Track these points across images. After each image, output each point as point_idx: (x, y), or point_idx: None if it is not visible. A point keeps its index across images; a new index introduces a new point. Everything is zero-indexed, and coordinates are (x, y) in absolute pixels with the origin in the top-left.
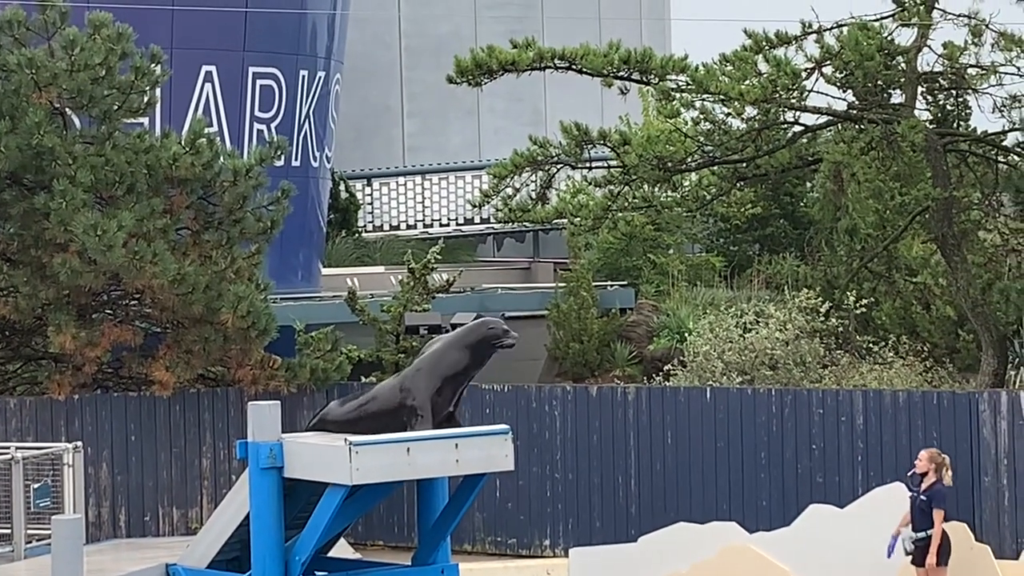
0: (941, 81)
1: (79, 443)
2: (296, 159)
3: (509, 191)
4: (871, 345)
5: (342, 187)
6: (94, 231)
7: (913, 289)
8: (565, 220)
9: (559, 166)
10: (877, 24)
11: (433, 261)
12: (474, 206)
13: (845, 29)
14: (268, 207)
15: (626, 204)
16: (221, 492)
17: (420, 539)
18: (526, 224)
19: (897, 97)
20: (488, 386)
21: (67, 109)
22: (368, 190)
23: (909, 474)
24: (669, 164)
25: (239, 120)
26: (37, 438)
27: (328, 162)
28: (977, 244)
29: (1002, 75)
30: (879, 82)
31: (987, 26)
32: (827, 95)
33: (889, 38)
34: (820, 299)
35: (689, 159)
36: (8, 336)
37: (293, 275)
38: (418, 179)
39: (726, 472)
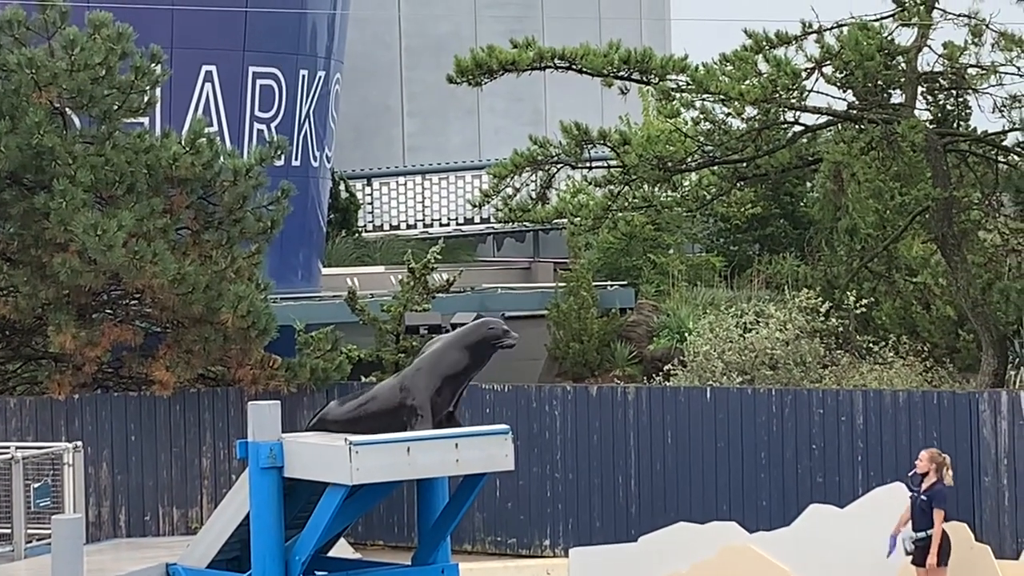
0: (941, 81)
1: (79, 443)
2: (296, 159)
3: (509, 191)
4: (871, 345)
5: (342, 187)
6: (94, 231)
7: (913, 289)
8: (565, 220)
9: (559, 166)
10: (877, 24)
11: (433, 261)
12: (474, 206)
13: (845, 29)
14: (268, 207)
15: (626, 204)
16: (221, 492)
17: (420, 539)
18: (526, 224)
19: (897, 97)
20: (488, 386)
21: (67, 109)
22: (368, 190)
23: (910, 474)
24: (669, 164)
25: (239, 120)
26: (37, 438)
27: (328, 162)
28: (977, 244)
29: (1002, 75)
30: (879, 82)
31: (987, 26)
32: (827, 95)
33: (889, 38)
34: (820, 299)
35: (689, 159)
36: (8, 336)
37: (293, 275)
38: (418, 179)
39: (726, 472)
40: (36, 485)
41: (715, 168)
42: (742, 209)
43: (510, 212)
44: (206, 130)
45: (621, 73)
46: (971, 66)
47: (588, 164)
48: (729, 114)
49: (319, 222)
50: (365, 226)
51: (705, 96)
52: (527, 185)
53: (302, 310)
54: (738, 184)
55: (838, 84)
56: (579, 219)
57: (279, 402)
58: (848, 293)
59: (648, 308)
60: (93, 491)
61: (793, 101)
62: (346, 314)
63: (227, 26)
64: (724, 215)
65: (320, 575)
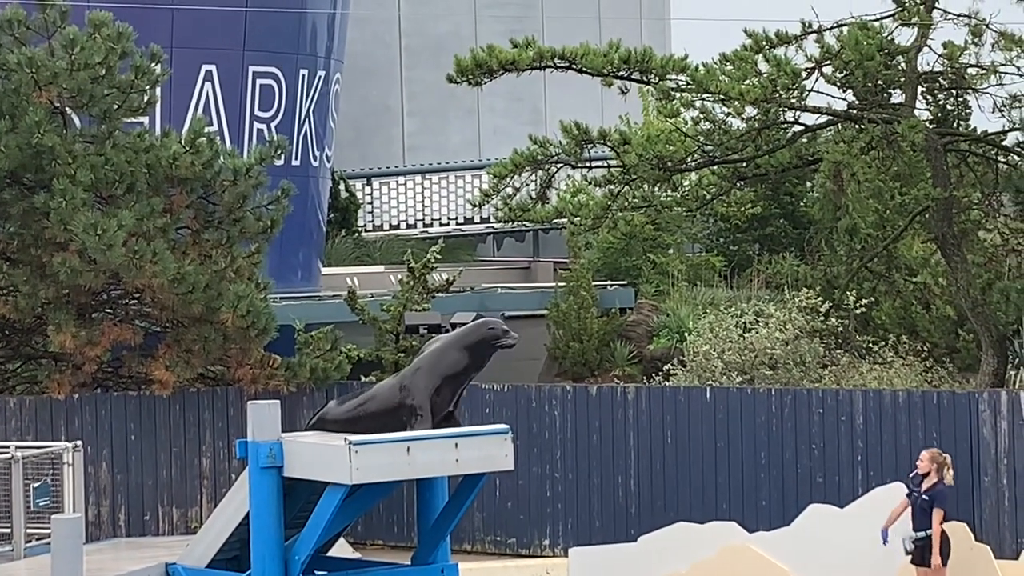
0: (941, 81)
1: (79, 442)
2: (296, 158)
3: (509, 191)
4: (871, 345)
5: (342, 186)
6: (94, 230)
7: (913, 289)
8: (565, 220)
9: (559, 166)
10: (877, 24)
11: (433, 260)
12: (474, 205)
13: (845, 29)
14: (268, 206)
15: (626, 204)
16: (221, 491)
17: (420, 538)
18: (526, 224)
19: (897, 97)
20: (488, 385)
21: (67, 108)
22: (368, 189)
23: (911, 475)
24: (669, 164)
25: (239, 119)
26: (37, 437)
27: (328, 161)
28: (977, 244)
29: (1002, 75)
30: (879, 82)
31: (987, 26)
32: (827, 95)
33: (889, 38)
34: (820, 299)
35: (689, 159)
36: (8, 335)
37: (293, 274)
38: (418, 178)
39: (726, 472)
40: (36, 485)
41: (715, 168)
42: (742, 209)
43: (510, 212)
44: (206, 130)
45: (621, 73)
46: (971, 66)
47: (588, 164)
48: (729, 114)
49: (319, 222)
50: (365, 226)
51: (705, 96)
52: (527, 185)
53: (302, 310)
54: (738, 184)
55: (838, 84)
56: (579, 219)
57: (279, 402)
58: (848, 293)
59: (648, 308)
60: (93, 490)
61: (793, 101)
62: (346, 314)
63: (227, 26)
64: (724, 215)
65: (320, 575)
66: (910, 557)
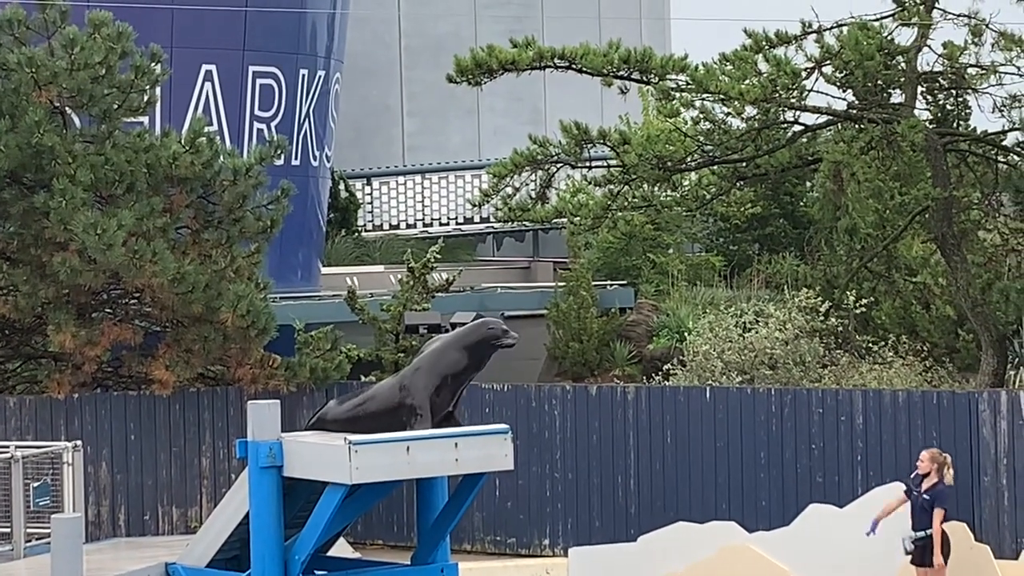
0: (941, 81)
1: (79, 442)
2: (296, 158)
3: (509, 190)
4: (871, 345)
5: (342, 186)
6: (94, 230)
7: (913, 289)
8: (565, 219)
9: (559, 165)
10: (877, 24)
11: (433, 260)
12: (474, 205)
13: (845, 29)
14: (268, 206)
15: (626, 203)
16: (221, 491)
17: (419, 538)
18: (526, 223)
19: (897, 97)
20: (488, 385)
21: (67, 108)
22: (368, 189)
23: (912, 475)
24: (669, 163)
25: (239, 119)
26: (37, 437)
27: (328, 161)
28: (977, 244)
29: (1002, 75)
30: (879, 82)
31: (987, 26)
32: (827, 95)
33: (889, 38)
34: (820, 299)
35: (689, 158)
36: (8, 335)
37: (293, 274)
38: (418, 178)
39: (726, 472)
40: (36, 484)
41: (715, 168)
42: (742, 209)
43: (510, 211)
44: (206, 129)
45: (621, 73)
46: (971, 66)
47: (588, 164)
48: (729, 114)
49: (319, 221)
50: (365, 225)
51: (705, 96)
52: (527, 185)
53: (302, 309)
54: (738, 184)
55: (838, 84)
56: (579, 218)
57: (278, 401)
58: (848, 293)
59: (648, 308)
60: (92, 490)
61: (793, 101)
62: (345, 313)
63: (227, 25)
64: (724, 215)
65: (320, 574)
66: (910, 557)
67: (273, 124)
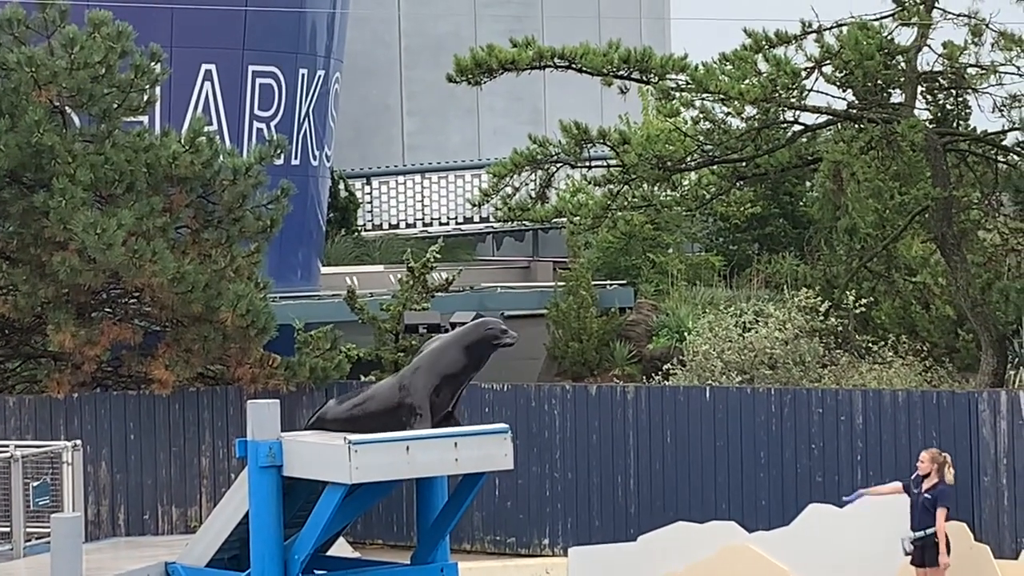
0: (941, 81)
1: (78, 441)
2: (296, 158)
3: (508, 190)
4: (870, 344)
5: (341, 186)
6: (93, 229)
7: (912, 289)
8: (564, 219)
9: (559, 165)
10: (877, 23)
11: (432, 260)
12: (473, 205)
13: (845, 28)
14: (267, 206)
15: (625, 203)
16: (220, 491)
17: (419, 538)
18: (525, 223)
19: (897, 96)
20: (487, 385)
21: (67, 107)
22: (367, 189)
23: (912, 476)
24: (668, 163)
25: (239, 119)
26: (36, 436)
27: (328, 161)
28: (977, 244)
29: (1002, 75)
30: (879, 81)
31: (987, 26)
32: (827, 94)
33: (889, 37)
34: (819, 298)
35: (688, 158)
36: (7, 334)
37: (292, 274)
38: (417, 178)
39: (725, 471)
40: (35, 484)
41: (714, 167)
42: (741, 208)
43: (509, 211)
44: (206, 129)
45: (621, 72)
46: (971, 66)
47: (587, 163)
48: (729, 113)
49: (318, 221)
50: (364, 225)
51: (705, 95)
52: (526, 184)
53: (301, 309)
54: (737, 183)
55: (838, 83)
56: (578, 218)
57: (278, 401)
58: (847, 293)
59: (647, 307)
60: (92, 490)
61: (793, 100)
62: (345, 313)
63: (227, 25)
64: (723, 214)
65: (319, 574)
66: (909, 558)
67: (273, 124)
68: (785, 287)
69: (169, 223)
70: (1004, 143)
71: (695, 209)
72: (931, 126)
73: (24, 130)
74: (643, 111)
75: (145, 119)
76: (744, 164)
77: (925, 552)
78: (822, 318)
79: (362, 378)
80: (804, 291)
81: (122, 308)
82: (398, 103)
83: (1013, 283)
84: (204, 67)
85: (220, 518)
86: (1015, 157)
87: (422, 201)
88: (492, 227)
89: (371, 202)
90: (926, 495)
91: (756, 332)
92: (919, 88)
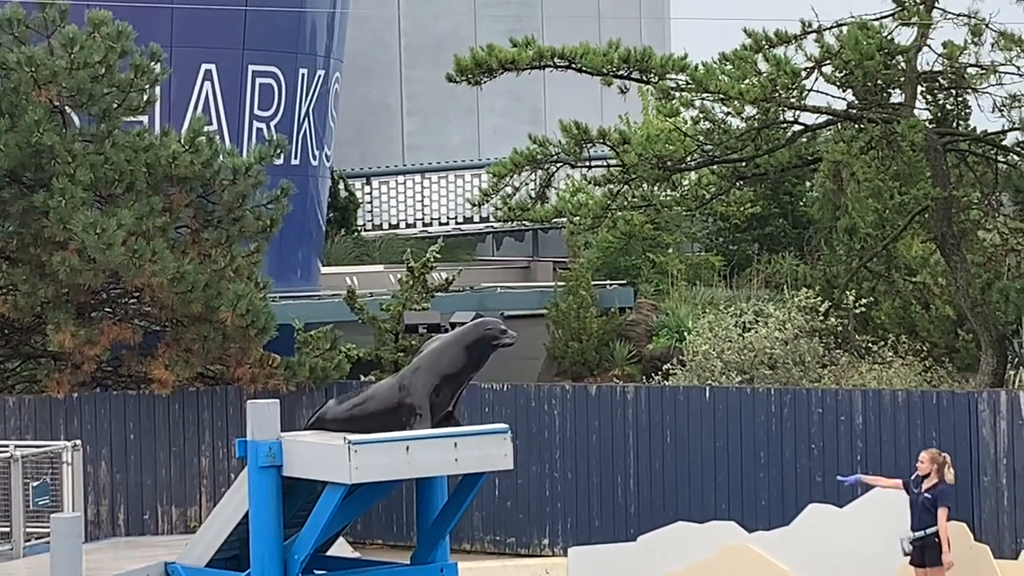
0: (941, 80)
1: (78, 441)
2: (295, 158)
3: (508, 190)
4: (870, 344)
5: (341, 186)
6: (93, 229)
7: (912, 289)
8: (564, 219)
9: (558, 165)
10: (877, 23)
11: (432, 260)
12: (473, 205)
13: (845, 28)
14: (267, 205)
15: (625, 203)
16: (220, 490)
17: (419, 538)
18: (525, 223)
19: (897, 96)
20: (487, 385)
21: (66, 107)
22: (367, 189)
23: (912, 477)
24: (668, 163)
25: (238, 118)
26: (36, 436)
27: (327, 161)
28: (976, 244)
29: (1002, 75)
30: (879, 81)
31: (987, 25)
32: (827, 94)
33: (889, 37)
34: (819, 298)
35: (688, 158)
36: (7, 334)
37: (292, 274)
38: (417, 178)
39: (725, 471)
40: (35, 484)
41: (714, 167)
42: (741, 208)
43: (509, 211)
44: (205, 129)
45: (621, 72)
46: (971, 65)
47: (587, 163)
48: (728, 113)
49: (318, 221)
50: (364, 225)
51: (705, 95)
52: (526, 184)
53: (301, 309)
54: (737, 183)
55: (838, 83)
56: (578, 218)
57: (278, 401)
58: (847, 293)
59: (647, 307)
60: (92, 490)
61: (793, 100)
62: (345, 313)
63: (226, 24)
64: (723, 214)
65: (319, 574)
66: (908, 559)
67: (273, 123)
68: (785, 287)
69: (169, 223)
70: (1004, 143)
71: (695, 209)
72: (931, 126)
73: (24, 130)
74: (643, 111)
75: (145, 119)
76: (744, 164)
77: (925, 552)
78: (822, 318)
79: (362, 378)
80: (804, 291)
81: (122, 308)
82: (398, 103)
83: (1013, 283)
84: (204, 67)
85: (220, 518)
86: (1015, 157)
87: (422, 201)
88: (492, 227)
89: (371, 202)
90: (926, 495)
91: (756, 332)
92: (919, 88)
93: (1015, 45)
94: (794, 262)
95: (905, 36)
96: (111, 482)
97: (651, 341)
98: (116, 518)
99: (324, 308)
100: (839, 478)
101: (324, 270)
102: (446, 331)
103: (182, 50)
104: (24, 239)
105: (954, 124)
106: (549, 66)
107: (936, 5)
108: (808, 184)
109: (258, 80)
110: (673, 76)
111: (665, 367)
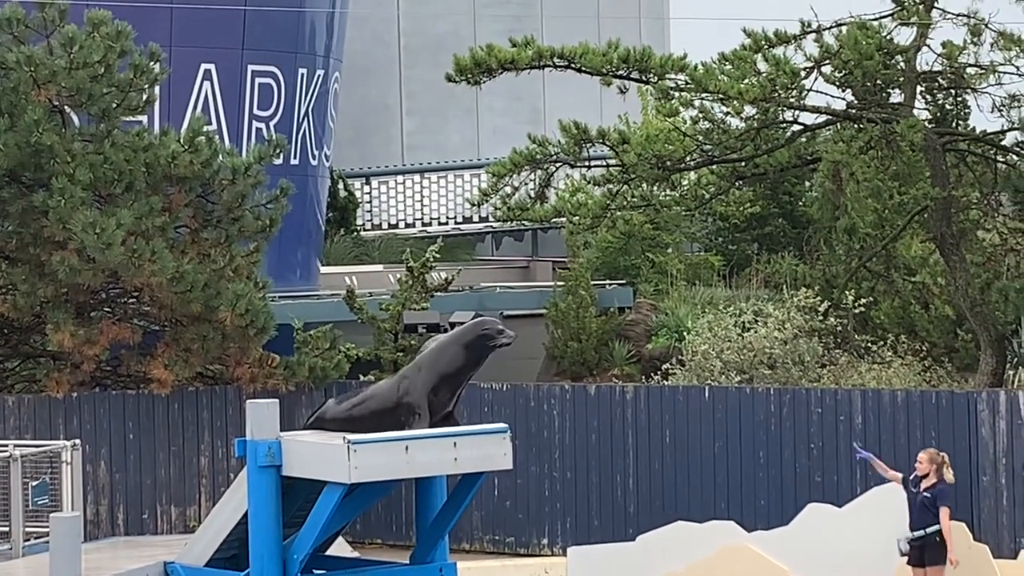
0: (940, 80)
1: (77, 441)
2: (295, 157)
3: (508, 190)
4: (870, 344)
5: (341, 185)
6: (93, 229)
7: (912, 288)
8: (564, 219)
9: (558, 165)
10: (876, 23)
11: (432, 260)
12: (473, 205)
13: (844, 28)
14: (267, 205)
15: (625, 203)
16: (219, 490)
17: (418, 538)
18: (525, 223)
19: (896, 96)
20: (486, 385)
21: (66, 107)
22: (367, 188)
23: (911, 476)
24: (668, 163)
25: (238, 118)
26: (35, 436)
27: (327, 160)
28: (976, 243)
29: (1001, 74)
30: (878, 81)
31: (986, 25)
32: (826, 94)
33: (888, 37)
34: (819, 298)
35: (688, 158)
36: (7, 334)
37: (292, 273)
38: (417, 177)
39: (724, 471)
40: (34, 483)
41: (714, 167)
42: (741, 208)
43: (509, 211)
44: (205, 128)
45: (620, 72)
46: (970, 65)
47: (587, 163)
48: (728, 113)
49: (318, 221)
50: (364, 225)
51: (704, 95)
52: (526, 184)
53: (300, 309)
54: (737, 183)
55: (837, 83)
56: (578, 218)
57: (277, 400)
58: (847, 292)
59: (647, 307)
60: (91, 489)
61: (792, 100)
62: (344, 313)
63: (226, 24)
64: (723, 214)
65: (318, 574)
66: (905, 559)
67: (272, 123)
68: (784, 287)
69: (168, 223)
70: (1003, 143)
71: (694, 209)
72: (930, 126)
73: (23, 129)
74: (642, 111)
75: (144, 119)
76: (743, 164)
77: (925, 551)
78: (821, 318)
79: (361, 378)
80: (803, 291)
81: (121, 307)
82: (397, 103)
83: (1012, 283)
84: (203, 67)
85: (219, 518)
86: (1014, 157)
87: (421, 201)
88: (491, 227)
89: (370, 202)
90: (925, 494)
91: (755, 332)
92: (918, 88)
93: (1014, 45)
94: (793, 262)
95: (904, 36)
96: (110, 482)
97: (650, 341)
98: (115, 518)
99: (323, 308)
100: (855, 445)
101: (323, 270)
102: (445, 331)
103: (181, 50)
104: (23, 239)
105: (953, 124)
106: (548, 66)
107: (935, 5)
108: (807, 184)
109: (257, 80)
110: (672, 76)
111: (664, 367)
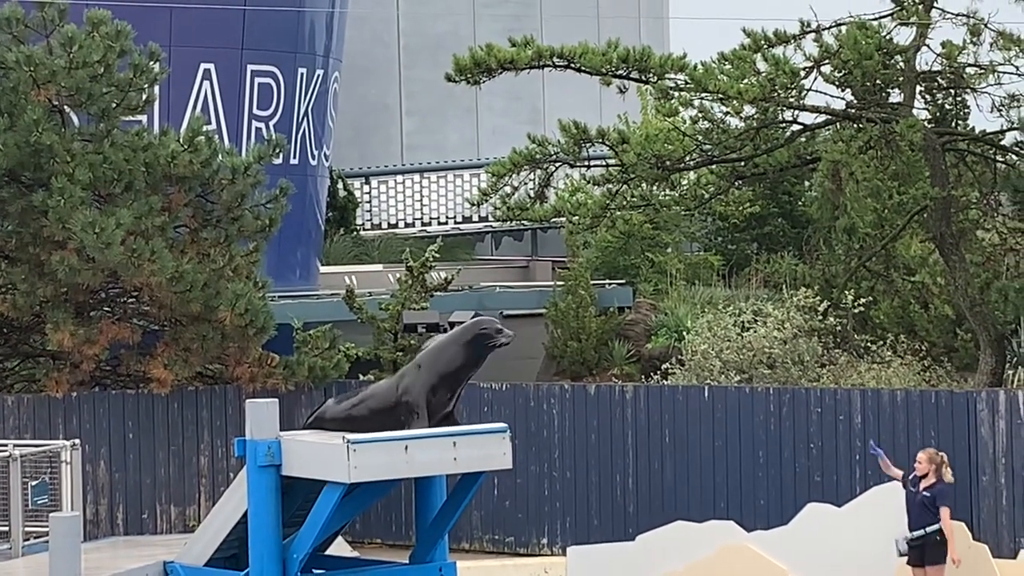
0: (940, 80)
1: (77, 440)
2: (294, 157)
3: (507, 189)
4: (869, 344)
5: (340, 185)
6: (92, 229)
7: (911, 288)
8: (563, 218)
9: (557, 164)
10: (876, 23)
11: (431, 259)
12: (472, 204)
13: (844, 28)
14: (266, 205)
15: (624, 203)
16: (219, 490)
17: (418, 537)
18: (524, 222)
19: (896, 96)
20: (486, 384)
21: (65, 106)
22: (366, 188)
23: (911, 476)
24: (667, 163)
25: (237, 118)
26: (35, 435)
27: (326, 160)
28: (975, 243)
29: (1000, 74)
30: (877, 81)
31: (986, 25)
32: (826, 94)
33: (888, 37)
34: (818, 298)
35: (687, 158)
36: (6, 333)
37: (291, 273)
38: (416, 177)
39: (724, 471)
40: (34, 483)
41: (713, 167)
42: (740, 208)
43: (508, 211)
44: (204, 128)
45: (620, 72)
46: (969, 65)
47: (586, 163)
48: (727, 113)
49: (317, 220)
50: (363, 224)
51: (704, 95)
52: (525, 184)
53: (300, 308)
54: (736, 183)
55: (836, 83)
56: (577, 218)
57: (277, 400)
58: (846, 292)
59: (646, 307)
60: (91, 489)
61: (791, 100)
62: (344, 312)
63: (225, 24)
64: (722, 214)
65: (318, 573)
66: (904, 559)
67: (272, 123)
68: (784, 286)
69: (168, 222)
70: (1003, 143)
71: (694, 209)
72: (930, 126)
73: (23, 129)
74: (642, 111)
75: (144, 118)
76: (743, 164)
77: (925, 551)
78: (821, 317)
79: (361, 377)
80: (803, 290)
81: (121, 307)
82: (397, 102)
83: (1012, 283)
84: (203, 66)
85: (219, 517)
86: (1014, 157)
87: (421, 200)
88: (491, 226)
89: (370, 201)
90: (925, 494)
91: (755, 331)
92: (918, 88)
93: (1014, 45)
94: (793, 262)
95: (904, 36)
96: (110, 481)
97: (650, 340)
98: (115, 517)
99: (323, 307)
100: (871, 443)
101: (323, 269)
102: (445, 331)
103: (181, 50)
104: (23, 238)
105: (953, 124)
106: (548, 66)
107: (935, 5)
108: (807, 184)
109: (257, 80)
110: (672, 76)
111: (664, 366)
